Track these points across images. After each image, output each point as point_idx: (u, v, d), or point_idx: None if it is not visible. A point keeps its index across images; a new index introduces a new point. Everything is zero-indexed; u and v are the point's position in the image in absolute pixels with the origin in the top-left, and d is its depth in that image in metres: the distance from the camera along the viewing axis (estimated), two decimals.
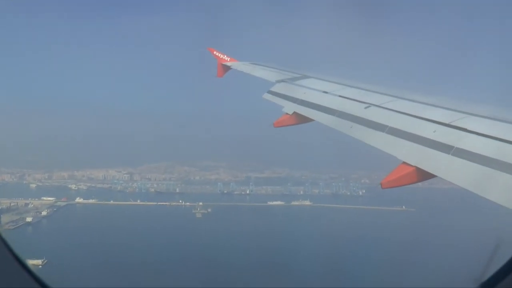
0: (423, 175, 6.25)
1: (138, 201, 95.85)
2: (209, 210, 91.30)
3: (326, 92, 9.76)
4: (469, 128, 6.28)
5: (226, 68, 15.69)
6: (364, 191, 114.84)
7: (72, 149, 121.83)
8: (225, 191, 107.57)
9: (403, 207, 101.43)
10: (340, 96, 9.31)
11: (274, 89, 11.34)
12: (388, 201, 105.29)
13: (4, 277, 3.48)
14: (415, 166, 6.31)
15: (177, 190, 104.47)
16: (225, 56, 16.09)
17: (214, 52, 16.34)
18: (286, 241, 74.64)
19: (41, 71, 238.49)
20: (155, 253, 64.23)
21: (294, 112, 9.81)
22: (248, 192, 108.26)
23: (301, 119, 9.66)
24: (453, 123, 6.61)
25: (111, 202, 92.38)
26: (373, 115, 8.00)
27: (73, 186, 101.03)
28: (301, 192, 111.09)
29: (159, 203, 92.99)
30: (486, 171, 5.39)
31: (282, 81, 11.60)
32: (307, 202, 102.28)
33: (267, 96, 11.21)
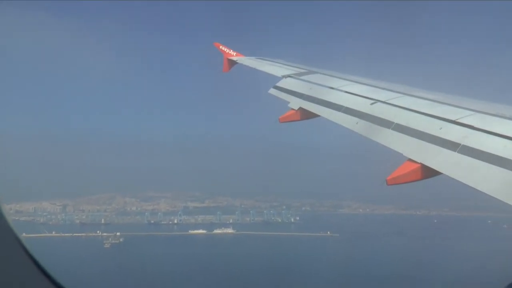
0: (429, 172, 6.17)
1: (53, 232, 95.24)
2: (121, 240, 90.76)
3: (332, 88, 9.64)
4: (475, 126, 6.21)
5: (232, 63, 15.47)
6: (298, 218, 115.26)
7: (5, 181, 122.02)
8: (152, 221, 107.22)
9: (328, 232, 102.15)
10: (346, 92, 9.22)
11: (280, 84, 11.17)
12: (317, 227, 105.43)
13: (24, 282, 3.49)
14: (420, 163, 6.25)
15: (103, 221, 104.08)
16: (231, 50, 15.85)
17: (220, 47, 16.08)
18: (182, 268, 73.89)
19: None
20: None
21: (300, 108, 9.68)
22: (176, 221, 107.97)
23: (307, 115, 9.53)
24: (459, 120, 6.55)
25: (23, 234, 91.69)
26: (379, 111, 7.93)
27: None
28: (231, 221, 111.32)
29: (74, 234, 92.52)
30: (493, 169, 5.34)
31: (288, 76, 11.41)
32: (230, 230, 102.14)
33: (273, 91, 11.05)
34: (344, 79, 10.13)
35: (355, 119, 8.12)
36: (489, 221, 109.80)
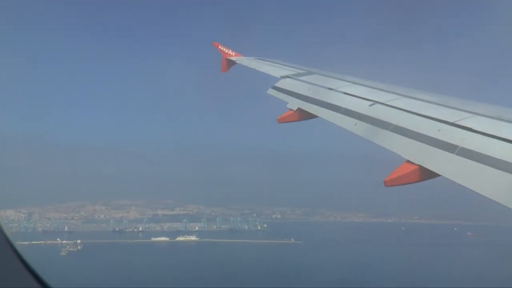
0: (427, 174, 6.15)
1: None
2: (80, 247, 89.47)
3: (331, 89, 9.66)
4: (474, 128, 6.20)
5: (231, 63, 15.41)
6: (265, 225, 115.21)
7: None
8: (117, 229, 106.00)
9: (292, 239, 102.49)
10: (345, 93, 9.23)
11: (279, 84, 11.19)
12: (283, 234, 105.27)
13: (8, 277, 3.44)
14: (418, 165, 6.23)
15: (66, 229, 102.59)
16: (230, 50, 15.78)
17: (219, 47, 16.02)
18: (132, 275, 72.81)
19: None
20: None
21: (298, 108, 9.69)
22: (141, 229, 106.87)
23: (305, 115, 9.54)
24: (458, 122, 6.53)
25: None
26: (378, 112, 7.92)
27: None
28: (196, 228, 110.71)
29: (32, 242, 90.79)
30: (491, 171, 5.33)
31: (287, 76, 11.42)
32: (193, 238, 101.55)
33: (271, 92, 11.07)
34: (343, 80, 10.13)
35: (354, 120, 8.10)
36: (455, 229, 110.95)
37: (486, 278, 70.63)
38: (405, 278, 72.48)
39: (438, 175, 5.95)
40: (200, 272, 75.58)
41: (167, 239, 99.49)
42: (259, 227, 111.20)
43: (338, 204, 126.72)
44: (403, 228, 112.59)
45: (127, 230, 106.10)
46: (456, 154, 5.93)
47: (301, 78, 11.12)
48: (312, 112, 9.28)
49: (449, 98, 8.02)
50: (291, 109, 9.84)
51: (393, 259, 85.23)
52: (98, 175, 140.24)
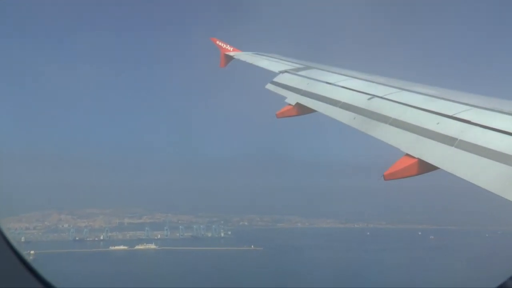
0: (426, 167, 6.14)
1: None
2: (31, 258, 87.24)
3: (329, 83, 9.66)
4: (472, 121, 6.23)
5: (229, 58, 15.35)
6: (229, 232, 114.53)
7: None
8: (77, 238, 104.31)
9: (252, 246, 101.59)
10: (343, 87, 9.23)
11: (277, 79, 11.17)
12: (245, 241, 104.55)
13: (8, 277, 3.47)
14: (418, 158, 6.22)
15: (23, 240, 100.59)
16: (228, 46, 15.69)
17: (217, 42, 15.94)
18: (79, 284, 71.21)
19: None
20: None
21: (297, 103, 9.67)
22: (102, 238, 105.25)
23: (304, 110, 9.53)
24: (456, 115, 6.56)
25: None
26: (376, 106, 7.92)
27: None
28: (159, 236, 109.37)
29: None
30: (490, 163, 5.33)
31: (285, 71, 11.39)
32: (152, 246, 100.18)
33: (270, 87, 11.03)
34: (341, 74, 10.17)
35: (352, 114, 8.12)
36: (420, 233, 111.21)
37: (434, 279, 71.52)
38: (353, 281, 72.56)
39: (437, 168, 5.96)
40: (146, 279, 74.42)
41: (125, 247, 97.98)
42: (222, 234, 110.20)
43: (309, 210, 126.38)
44: (368, 233, 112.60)
45: (87, 239, 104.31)
46: (455, 146, 5.95)
47: (299, 72, 11.14)
48: (311, 107, 9.30)
49: (448, 91, 8.02)
50: (289, 104, 9.85)
51: (347, 263, 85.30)
52: (67, 183, 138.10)
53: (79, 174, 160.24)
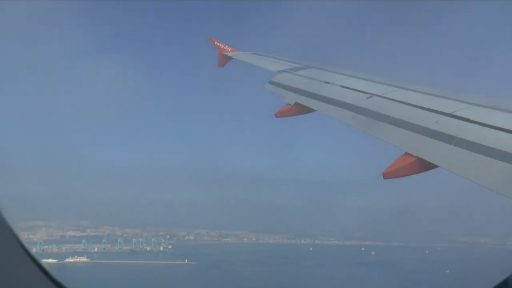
0: (425, 166, 6.12)
1: None
2: None
3: (327, 82, 9.66)
4: (471, 118, 6.23)
5: (227, 58, 15.35)
6: (170, 247, 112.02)
7: None
8: None
9: (186, 260, 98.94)
10: (342, 86, 9.23)
11: (276, 79, 11.11)
12: (183, 256, 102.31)
13: (21, 278, 3.52)
14: (416, 157, 6.20)
15: None
16: (226, 46, 15.67)
17: (215, 42, 15.92)
18: None
19: None
20: None
21: (296, 103, 9.61)
22: (34, 250, 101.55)
23: (303, 110, 9.47)
24: (455, 113, 6.55)
25: None
26: (375, 105, 7.92)
27: None
28: (95, 249, 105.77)
29: None
30: (489, 161, 5.32)
31: (284, 71, 11.42)
32: (84, 259, 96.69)
33: (268, 86, 10.95)
34: (340, 73, 10.20)
35: (351, 113, 8.11)
36: (363, 249, 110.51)
37: None
38: None
39: (436, 166, 5.96)
40: None
41: (54, 261, 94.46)
42: (161, 248, 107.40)
43: (260, 226, 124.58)
44: (310, 249, 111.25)
45: None
46: (454, 145, 5.96)
47: (298, 72, 11.19)
48: (310, 106, 9.28)
49: (446, 90, 8.08)
50: (288, 104, 9.82)
51: (275, 277, 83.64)
52: (15, 195, 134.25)
53: (30, 185, 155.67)
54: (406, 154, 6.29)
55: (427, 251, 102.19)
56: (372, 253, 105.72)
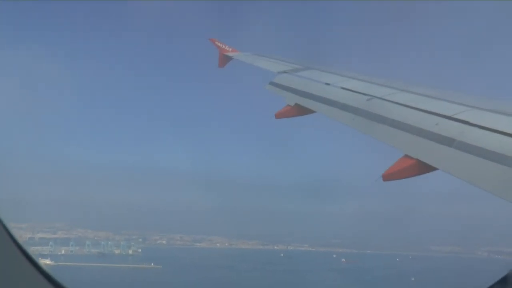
0: (425, 168, 6.18)
1: None
2: None
3: (328, 84, 9.70)
4: (471, 121, 6.23)
5: (228, 58, 15.37)
6: (139, 250, 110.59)
7: None
8: None
9: (152, 264, 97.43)
10: (342, 88, 9.27)
11: (277, 80, 11.13)
12: (150, 259, 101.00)
13: (17, 277, 3.48)
14: (416, 159, 6.26)
15: None
16: (227, 46, 15.67)
17: (216, 43, 15.90)
18: None
19: None
20: None
21: (296, 104, 9.70)
22: None
23: (303, 111, 9.57)
24: (455, 116, 6.56)
25: None
26: (375, 107, 7.96)
27: None
28: (62, 252, 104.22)
29: None
30: (488, 164, 5.35)
31: (285, 72, 11.43)
32: (47, 261, 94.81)
33: (269, 87, 11.01)
34: (340, 75, 10.26)
35: (351, 115, 8.17)
36: (334, 256, 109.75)
37: None
38: None
39: (436, 168, 5.99)
40: None
41: None
42: (130, 252, 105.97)
43: (235, 231, 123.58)
44: (281, 255, 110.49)
45: None
46: (454, 147, 5.96)
47: (298, 73, 11.25)
48: (310, 108, 9.36)
49: (446, 92, 8.16)
50: (288, 105, 9.90)
51: (235, 282, 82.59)
52: None
53: (5, 187, 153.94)
54: (406, 156, 6.36)
55: (397, 259, 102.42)
56: (342, 260, 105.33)
